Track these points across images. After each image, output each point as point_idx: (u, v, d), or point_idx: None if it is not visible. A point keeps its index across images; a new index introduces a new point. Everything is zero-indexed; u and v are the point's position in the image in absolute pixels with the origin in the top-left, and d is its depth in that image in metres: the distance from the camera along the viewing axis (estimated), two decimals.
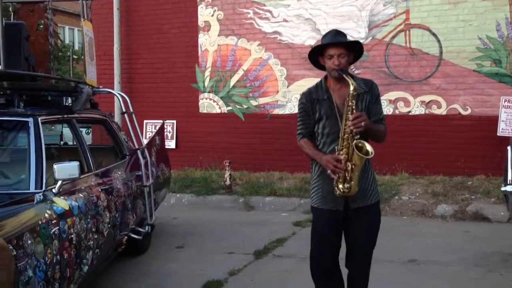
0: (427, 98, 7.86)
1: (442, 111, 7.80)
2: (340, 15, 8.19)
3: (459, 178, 7.48)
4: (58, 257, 2.92)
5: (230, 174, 7.95)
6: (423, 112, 7.90)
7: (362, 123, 2.83)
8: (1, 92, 3.39)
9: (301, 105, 3.12)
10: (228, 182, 7.94)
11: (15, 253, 2.46)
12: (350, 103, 2.89)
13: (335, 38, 2.98)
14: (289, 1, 8.47)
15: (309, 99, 3.07)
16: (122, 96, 4.75)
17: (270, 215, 7.01)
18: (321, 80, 3.13)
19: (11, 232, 2.51)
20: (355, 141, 2.85)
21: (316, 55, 3.08)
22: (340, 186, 2.91)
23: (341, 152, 2.90)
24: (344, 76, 2.90)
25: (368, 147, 2.86)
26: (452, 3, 7.64)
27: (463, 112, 7.69)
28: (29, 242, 2.62)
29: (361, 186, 3.01)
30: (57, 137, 5.85)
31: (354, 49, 3.05)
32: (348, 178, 2.89)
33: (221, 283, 4.35)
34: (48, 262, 2.77)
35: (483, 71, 7.54)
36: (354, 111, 2.89)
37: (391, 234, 5.87)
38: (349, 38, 3.18)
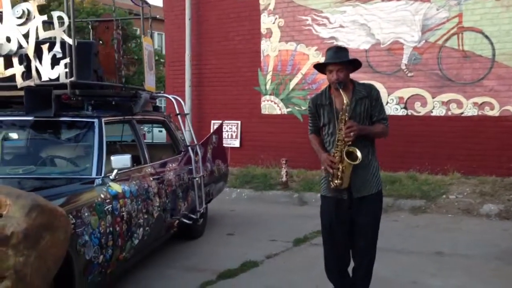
0: (479, 99, 7.97)
1: (495, 112, 7.87)
2: (394, 20, 8.48)
3: (511, 179, 7.54)
4: (111, 228, 3.68)
5: (286, 171, 8.52)
6: (475, 114, 8.01)
7: (351, 133, 3.34)
8: (74, 98, 4.22)
9: (309, 109, 3.70)
10: (284, 179, 8.52)
11: (74, 221, 3.23)
12: (343, 116, 3.41)
13: (335, 56, 3.43)
14: (345, 7, 8.89)
15: (314, 104, 3.63)
16: (176, 100, 5.50)
17: None
18: (326, 88, 3.64)
19: (72, 206, 3.30)
20: (346, 148, 3.39)
21: (322, 66, 3.59)
22: (335, 181, 3.48)
23: (335, 154, 3.45)
24: (340, 90, 3.38)
25: (358, 153, 3.36)
26: (505, 6, 7.71)
27: None
28: (86, 214, 3.39)
29: (364, 178, 3.50)
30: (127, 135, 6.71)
31: (353, 62, 3.51)
32: (340, 176, 3.44)
33: (257, 263, 4.97)
34: (102, 232, 3.54)
35: None
36: (347, 121, 3.37)
37: (430, 230, 6.20)
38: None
